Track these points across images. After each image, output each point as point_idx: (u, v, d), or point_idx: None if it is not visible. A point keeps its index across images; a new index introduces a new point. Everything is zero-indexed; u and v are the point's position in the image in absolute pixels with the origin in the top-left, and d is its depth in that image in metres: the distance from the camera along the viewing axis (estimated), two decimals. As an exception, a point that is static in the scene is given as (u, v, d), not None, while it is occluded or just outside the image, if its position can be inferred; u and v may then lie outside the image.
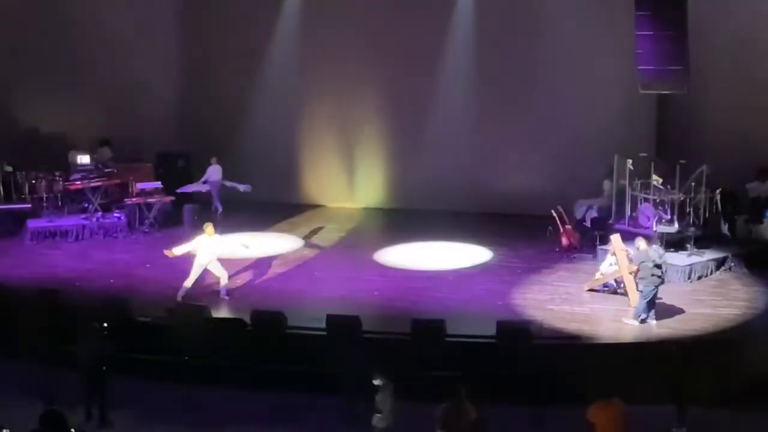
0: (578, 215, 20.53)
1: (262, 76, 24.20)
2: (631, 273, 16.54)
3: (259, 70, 24.19)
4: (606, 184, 20.43)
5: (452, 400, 11.66)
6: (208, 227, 17.09)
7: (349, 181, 24.41)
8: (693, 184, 18.67)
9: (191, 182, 23.88)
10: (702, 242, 18.74)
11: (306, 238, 21.51)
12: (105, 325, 14.42)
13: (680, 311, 16.41)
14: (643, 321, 15.85)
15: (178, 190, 22.60)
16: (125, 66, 23.95)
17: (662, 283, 15.93)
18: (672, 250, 18.39)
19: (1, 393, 14.49)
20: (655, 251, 15.97)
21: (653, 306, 15.91)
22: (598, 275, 17.32)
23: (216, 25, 24.33)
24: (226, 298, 17.19)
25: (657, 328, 15.71)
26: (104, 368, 13.78)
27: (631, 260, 16.69)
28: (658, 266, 15.79)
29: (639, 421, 13.40)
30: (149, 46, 24.23)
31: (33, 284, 17.36)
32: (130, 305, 16.09)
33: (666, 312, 16.36)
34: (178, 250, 17.00)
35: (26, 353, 15.55)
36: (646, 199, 19.09)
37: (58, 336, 15.35)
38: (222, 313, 16.51)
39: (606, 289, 17.26)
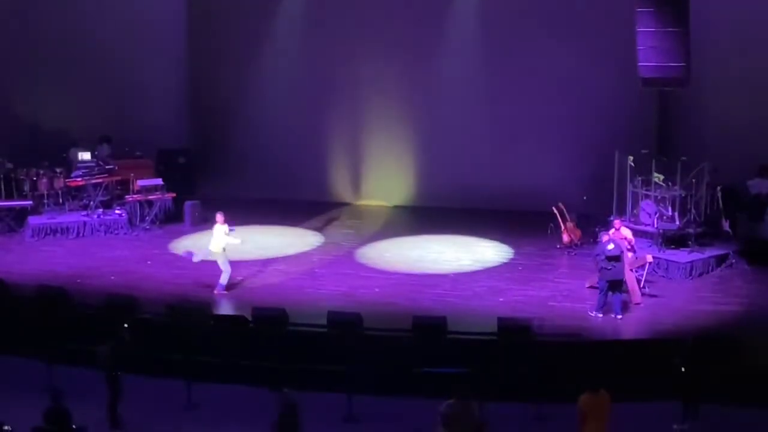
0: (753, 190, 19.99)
1: (266, 73, 24.20)
2: (631, 268, 16.60)
3: (263, 66, 24.19)
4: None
5: (456, 398, 11.64)
6: (219, 216, 17.49)
7: (359, 179, 24.37)
8: (694, 180, 18.66)
9: (191, 179, 23.92)
10: (703, 239, 18.74)
11: (310, 235, 21.49)
12: (126, 326, 14.53)
13: (681, 308, 16.42)
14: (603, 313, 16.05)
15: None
16: (127, 63, 23.95)
17: (612, 277, 15.89)
18: (673, 247, 18.42)
19: (2, 390, 14.48)
20: (607, 243, 16.03)
21: (605, 300, 16.02)
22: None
23: (220, 20, 24.34)
24: (223, 293, 17.23)
25: (664, 326, 15.70)
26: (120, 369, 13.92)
27: (635, 253, 16.83)
28: (610, 259, 15.85)
29: (640, 418, 13.48)
30: (151, 42, 24.24)
31: (34, 281, 17.35)
32: (131, 302, 16.09)
33: (667, 309, 16.38)
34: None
35: (27, 350, 15.58)
36: (647, 196, 19.09)
37: (60, 333, 15.34)
38: (223, 309, 16.50)
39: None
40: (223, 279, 17.32)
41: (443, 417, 11.56)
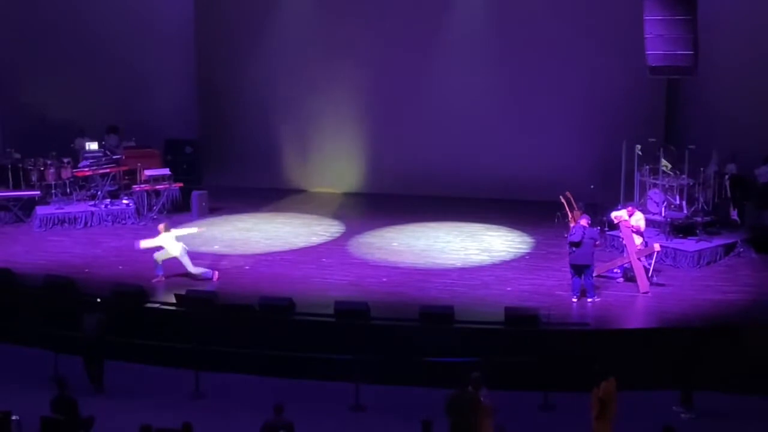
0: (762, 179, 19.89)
1: (273, 63, 24.22)
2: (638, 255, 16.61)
3: (270, 57, 24.19)
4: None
5: (463, 387, 11.66)
6: (161, 226, 17.49)
7: (352, 167, 24.34)
8: (702, 169, 18.62)
9: (198, 168, 23.94)
10: (711, 228, 18.70)
11: (317, 224, 21.51)
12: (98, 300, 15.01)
13: (689, 297, 16.38)
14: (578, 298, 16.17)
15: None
16: (135, 53, 23.99)
17: (572, 261, 16.09)
18: (681, 236, 18.39)
19: (9, 380, 14.55)
20: (572, 228, 16.35)
21: (578, 284, 16.13)
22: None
23: (227, 11, 24.37)
24: (214, 280, 17.34)
25: (668, 316, 15.68)
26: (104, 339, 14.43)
27: (645, 241, 16.89)
28: (571, 244, 16.10)
29: (647, 406, 13.49)
30: (159, 32, 24.30)
31: (41, 271, 17.38)
32: (139, 292, 16.13)
33: (675, 298, 16.35)
34: (145, 243, 17.32)
35: (34, 340, 15.63)
36: (654, 185, 19.05)
37: (68, 322, 15.38)
38: (230, 299, 16.50)
39: (615, 273, 17.24)
40: (197, 269, 17.33)
41: (450, 406, 11.59)
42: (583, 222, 16.25)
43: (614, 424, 12.07)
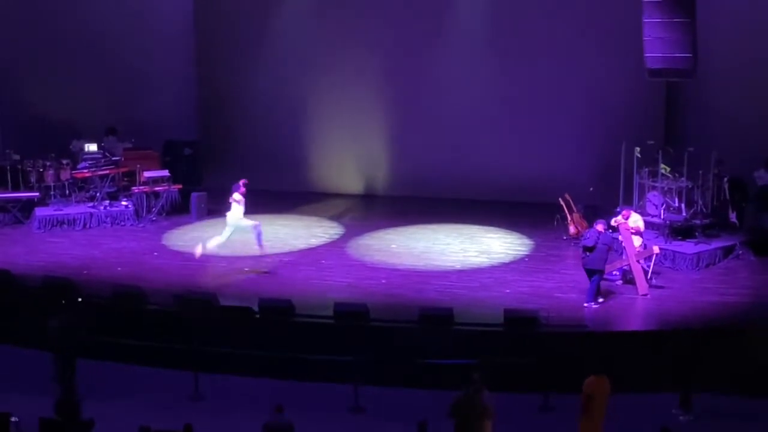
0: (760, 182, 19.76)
1: (273, 64, 24.22)
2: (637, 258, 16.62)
3: (270, 58, 24.20)
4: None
5: (468, 389, 11.66)
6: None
7: (364, 170, 24.32)
8: (701, 171, 18.63)
9: (198, 170, 23.91)
10: (710, 230, 18.71)
11: (316, 226, 21.52)
12: (80, 300, 14.88)
13: (688, 299, 16.39)
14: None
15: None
16: (135, 54, 23.97)
17: (583, 265, 16.14)
18: (680, 238, 18.40)
19: (8, 381, 14.54)
20: (586, 233, 16.41)
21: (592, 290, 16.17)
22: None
23: (228, 12, 24.38)
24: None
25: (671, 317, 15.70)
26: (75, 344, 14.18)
27: (644, 243, 16.93)
28: (583, 249, 16.11)
29: (645, 408, 13.51)
30: (159, 33, 24.27)
31: (40, 272, 17.37)
32: (138, 293, 16.13)
33: (673, 300, 16.36)
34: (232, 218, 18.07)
35: (33, 341, 15.62)
36: (653, 187, 19.06)
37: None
38: (230, 300, 16.52)
39: (614, 275, 17.24)
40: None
41: (451, 408, 11.60)
42: (599, 227, 16.15)
43: (602, 425, 12.06)
